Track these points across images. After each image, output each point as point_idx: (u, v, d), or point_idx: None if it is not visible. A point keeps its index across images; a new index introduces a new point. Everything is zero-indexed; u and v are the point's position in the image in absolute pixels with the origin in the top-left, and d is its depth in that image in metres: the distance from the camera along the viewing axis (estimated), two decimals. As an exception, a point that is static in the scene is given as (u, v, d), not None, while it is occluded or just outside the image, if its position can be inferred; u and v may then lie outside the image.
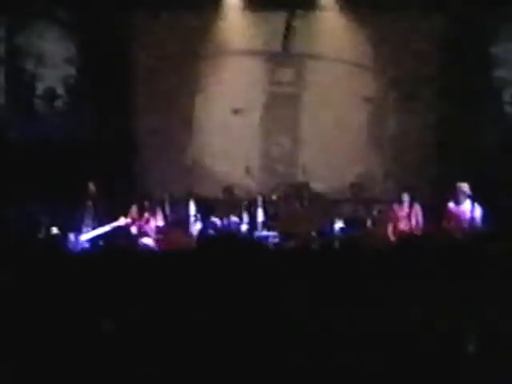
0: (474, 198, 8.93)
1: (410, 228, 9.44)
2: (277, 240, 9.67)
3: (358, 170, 11.17)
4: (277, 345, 4.15)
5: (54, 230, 9.19)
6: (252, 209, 10.15)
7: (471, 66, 10.84)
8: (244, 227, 10.02)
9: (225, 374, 4.04)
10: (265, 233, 9.90)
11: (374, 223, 9.95)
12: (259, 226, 10.01)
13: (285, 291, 4.59)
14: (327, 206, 10.45)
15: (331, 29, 11.07)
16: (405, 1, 10.90)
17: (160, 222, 9.85)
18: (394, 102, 11.15)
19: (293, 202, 10.36)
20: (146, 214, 9.79)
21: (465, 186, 9.01)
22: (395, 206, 9.65)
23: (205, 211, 10.20)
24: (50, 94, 11.16)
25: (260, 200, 10.17)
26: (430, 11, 10.83)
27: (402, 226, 9.48)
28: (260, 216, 10.07)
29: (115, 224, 9.38)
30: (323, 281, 4.72)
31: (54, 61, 11.14)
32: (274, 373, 4.03)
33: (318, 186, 10.64)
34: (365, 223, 9.96)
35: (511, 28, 10.91)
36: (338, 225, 9.78)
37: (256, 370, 4.04)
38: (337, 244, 8.60)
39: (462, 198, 9.02)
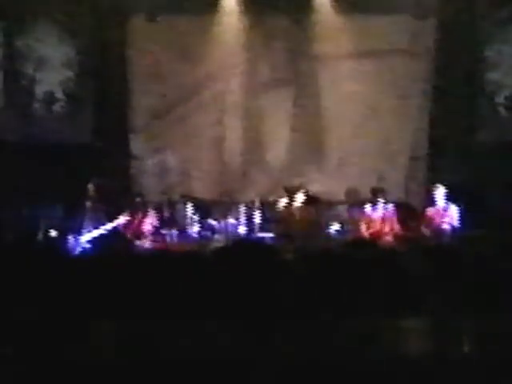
0: (450, 200, 9.00)
1: (383, 230, 9.29)
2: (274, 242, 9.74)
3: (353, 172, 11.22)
4: (277, 348, 4.21)
5: (53, 233, 9.28)
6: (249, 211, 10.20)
7: (465, 68, 10.92)
8: (241, 229, 10.08)
9: (225, 374, 4.10)
10: (261, 235, 9.94)
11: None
12: (256, 228, 10.08)
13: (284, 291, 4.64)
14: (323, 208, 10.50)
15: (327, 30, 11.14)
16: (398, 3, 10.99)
17: (157, 224, 9.92)
18: (388, 104, 11.18)
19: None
20: (143, 216, 9.87)
21: (439, 188, 9.10)
22: (367, 209, 9.46)
23: (202, 213, 10.27)
24: (49, 98, 11.24)
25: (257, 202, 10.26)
26: (423, 14, 10.94)
27: (375, 228, 9.32)
28: (257, 218, 10.14)
29: (115, 223, 9.48)
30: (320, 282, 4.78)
31: (52, 64, 11.21)
32: (273, 372, 4.09)
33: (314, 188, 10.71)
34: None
35: (505, 31, 11.01)
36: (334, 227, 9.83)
37: (254, 370, 4.10)
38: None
39: (437, 200, 9.08)
